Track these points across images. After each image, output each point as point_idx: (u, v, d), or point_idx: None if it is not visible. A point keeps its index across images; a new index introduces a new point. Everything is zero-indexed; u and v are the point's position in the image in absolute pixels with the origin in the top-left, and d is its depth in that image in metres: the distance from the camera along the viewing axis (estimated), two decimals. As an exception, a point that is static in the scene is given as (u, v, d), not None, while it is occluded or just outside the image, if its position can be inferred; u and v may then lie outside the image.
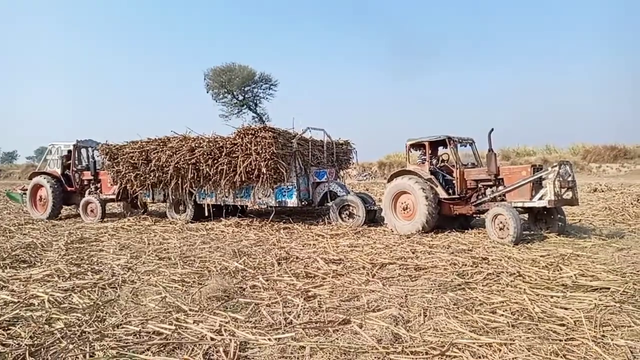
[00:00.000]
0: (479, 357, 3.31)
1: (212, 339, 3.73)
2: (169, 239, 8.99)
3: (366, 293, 4.97)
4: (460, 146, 9.39)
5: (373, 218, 10.69)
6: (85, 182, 13.44)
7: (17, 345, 3.64)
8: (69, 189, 13.35)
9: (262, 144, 9.95)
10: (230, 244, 8.28)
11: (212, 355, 3.46)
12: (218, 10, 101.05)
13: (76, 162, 13.48)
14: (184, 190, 11.44)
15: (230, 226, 10.47)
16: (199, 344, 3.63)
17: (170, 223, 11.44)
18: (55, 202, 12.91)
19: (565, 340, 3.53)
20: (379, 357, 3.35)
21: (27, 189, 13.63)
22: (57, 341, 3.73)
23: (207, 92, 47.33)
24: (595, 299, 4.47)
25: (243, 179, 10.36)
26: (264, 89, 47.93)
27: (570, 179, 7.85)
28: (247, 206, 12.36)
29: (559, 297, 4.62)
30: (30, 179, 13.74)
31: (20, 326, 4.11)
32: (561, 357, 3.27)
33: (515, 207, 7.89)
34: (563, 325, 3.85)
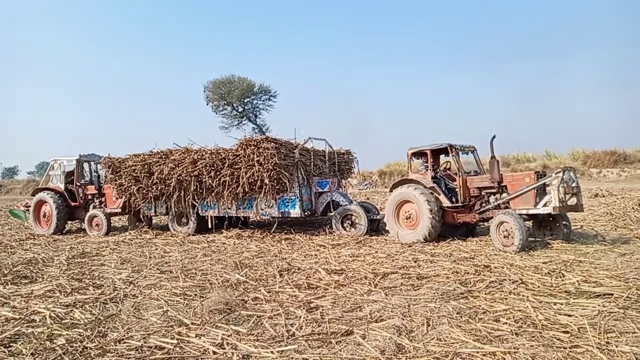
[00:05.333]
0: (483, 367, 3.29)
1: (214, 352, 3.72)
2: (170, 252, 8.98)
3: (368, 303, 4.94)
4: (462, 154, 9.39)
5: (376, 227, 10.68)
6: (90, 197, 13.46)
7: (18, 362, 3.63)
8: (72, 204, 13.36)
9: (265, 154, 9.97)
10: (232, 255, 8.26)
11: (214, 369, 3.45)
12: (214, 23, 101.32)
13: (79, 176, 13.51)
14: (186, 203, 11.45)
15: (232, 238, 10.47)
16: (201, 358, 3.62)
17: (172, 236, 11.44)
18: (60, 218, 12.91)
19: (569, 348, 3.51)
20: (382, 368, 3.32)
21: (30, 206, 13.63)
22: (59, 357, 3.72)
23: (207, 105, 47.68)
24: (599, 305, 4.45)
25: (246, 190, 10.38)
26: (263, 100, 48.27)
27: (574, 185, 7.85)
28: (248, 217, 12.38)
29: (562, 304, 4.60)
30: (33, 195, 13.75)
31: (22, 343, 4.10)
32: (566, 365, 3.24)
33: (520, 215, 7.87)
34: (567, 332, 3.82)
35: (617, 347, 3.47)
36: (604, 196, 17.02)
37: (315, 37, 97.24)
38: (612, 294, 4.82)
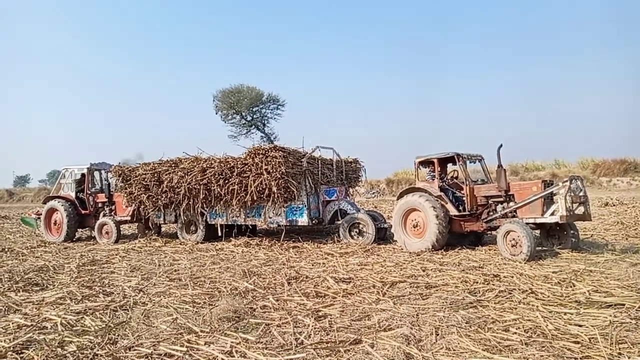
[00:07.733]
0: (492, 377, 3.27)
1: (223, 360, 3.73)
2: (179, 260, 9.03)
3: (377, 312, 4.94)
4: (469, 162, 9.39)
5: (383, 236, 10.66)
6: (100, 205, 13.61)
7: (30, 369, 3.67)
8: (83, 211, 13.52)
9: (273, 163, 10.05)
10: (240, 264, 8.29)
11: (224, 376, 3.46)
12: (221, 32, 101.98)
13: (90, 185, 13.67)
14: (195, 211, 11.53)
15: (240, 246, 10.51)
16: (210, 366, 3.63)
17: (181, 244, 11.50)
18: (70, 226, 13.06)
19: (580, 359, 3.48)
20: (390, 378, 3.32)
21: (41, 214, 13.80)
22: (70, 364, 3.75)
23: (216, 114, 48.18)
24: (610, 316, 4.41)
25: (254, 198, 10.45)
26: (271, 109, 48.64)
27: (581, 194, 7.80)
28: (256, 225, 12.40)
29: (572, 314, 4.56)
30: (44, 203, 13.91)
31: (34, 350, 4.14)
32: (576, 375, 3.22)
33: (527, 223, 7.83)
34: (577, 342, 3.79)
35: (629, 358, 3.44)
36: (614, 205, 16.86)
37: (316, 43, 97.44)
38: (623, 304, 4.78)
